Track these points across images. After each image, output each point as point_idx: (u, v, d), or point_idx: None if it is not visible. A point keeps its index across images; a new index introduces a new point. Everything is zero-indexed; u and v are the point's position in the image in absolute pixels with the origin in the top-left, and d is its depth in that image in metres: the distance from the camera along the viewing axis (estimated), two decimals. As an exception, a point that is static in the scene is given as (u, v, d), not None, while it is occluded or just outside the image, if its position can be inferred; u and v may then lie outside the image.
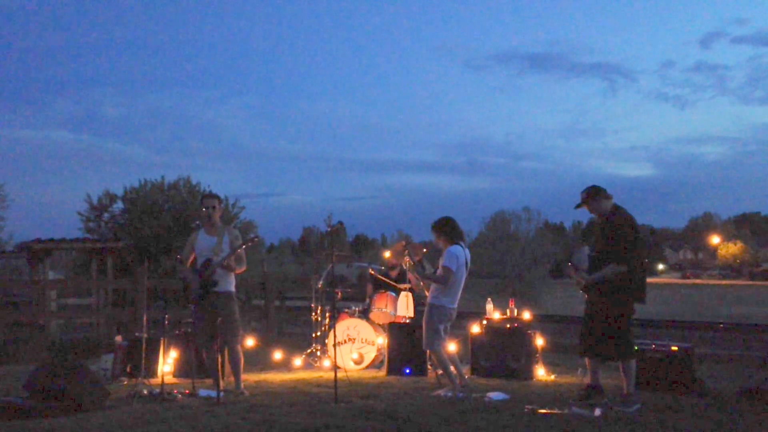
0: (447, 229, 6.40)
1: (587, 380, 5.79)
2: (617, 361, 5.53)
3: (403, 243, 7.58)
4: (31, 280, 13.52)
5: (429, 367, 7.41)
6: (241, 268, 6.32)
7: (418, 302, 8.06)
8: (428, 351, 6.56)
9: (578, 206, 5.78)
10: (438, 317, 6.27)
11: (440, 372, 6.64)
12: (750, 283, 55.84)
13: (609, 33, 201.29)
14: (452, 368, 6.24)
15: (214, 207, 6.37)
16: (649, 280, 5.88)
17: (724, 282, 57.96)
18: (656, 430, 4.55)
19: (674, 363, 6.13)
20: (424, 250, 7.94)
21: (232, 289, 6.33)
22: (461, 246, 6.38)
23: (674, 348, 6.23)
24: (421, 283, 7.23)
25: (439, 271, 6.32)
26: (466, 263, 6.39)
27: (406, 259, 7.54)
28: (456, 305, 6.39)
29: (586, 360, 5.76)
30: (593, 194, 5.66)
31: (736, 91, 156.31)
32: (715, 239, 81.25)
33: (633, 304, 5.50)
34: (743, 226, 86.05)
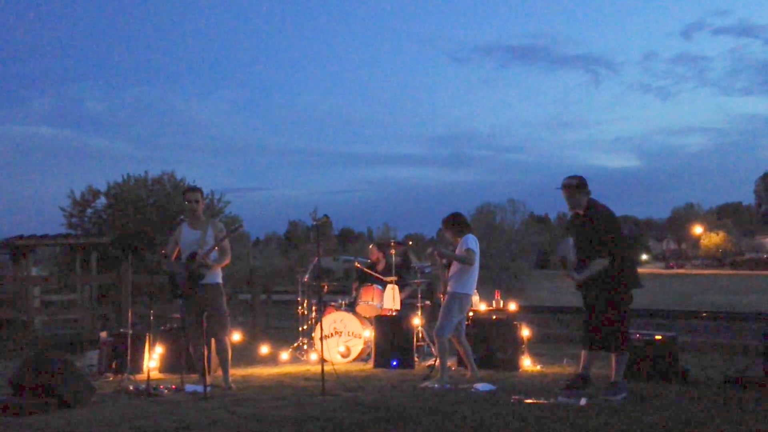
0: (460, 223, 6.65)
1: (574, 369, 5.81)
2: (613, 352, 5.55)
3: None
4: (14, 276, 13.38)
5: (416, 359, 7.44)
6: (226, 261, 6.30)
7: (431, 294, 8.10)
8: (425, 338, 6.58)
9: (560, 189, 5.67)
10: (460, 306, 6.41)
11: (428, 364, 6.67)
12: (733, 272, 56.34)
13: (591, 25, 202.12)
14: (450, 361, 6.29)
15: (197, 200, 6.34)
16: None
17: (707, 271, 58.46)
18: (641, 419, 4.59)
19: (658, 352, 6.18)
20: (410, 243, 7.96)
21: (219, 280, 6.31)
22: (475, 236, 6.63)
23: (658, 337, 6.28)
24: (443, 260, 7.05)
25: (462, 254, 6.44)
26: None
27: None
28: (473, 293, 6.63)
29: (582, 351, 5.74)
30: (580, 187, 5.60)
31: (718, 82, 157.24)
32: (697, 229, 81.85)
33: (630, 294, 5.52)
34: (725, 216, 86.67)
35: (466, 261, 6.40)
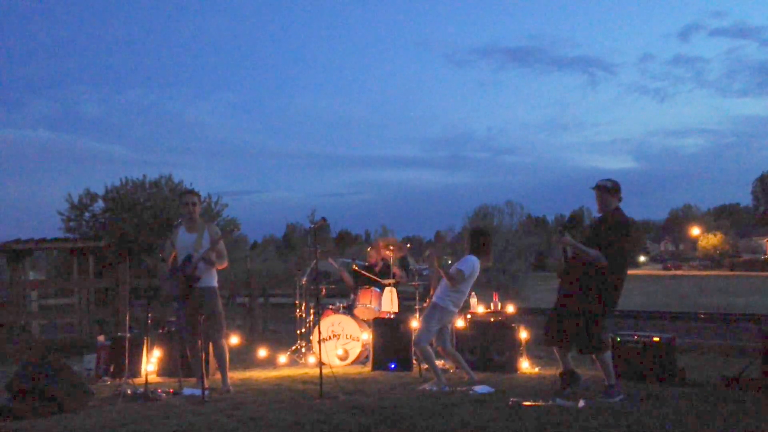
0: (473, 240, 6.63)
1: (560, 369, 5.82)
2: (589, 354, 5.56)
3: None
4: (11, 280, 13.36)
5: (414, 361, 7.43)
6: (223, 264, 6.29)
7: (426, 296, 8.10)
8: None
9: (594, 188, 5.68)
10: (439, 318, 6.41)
11: (426, 366, 6.67)
12: (730, 273, 56.41)
13: (589, 26, 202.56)
14: (442, 364, 6.28)
15: (194, 203, 6.35)
16: (630, 271, 5.91)
17: (704, 273, 58.47)
18: (639, 420, 4.60)
19: (656, 353, 6.19)
20: (408, 245, 7.96)
21: (215, 284, 6.32)
22: (478, 260, 6.54)
23: (656, 338, 6.29)
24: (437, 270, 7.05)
25: (453, 271, 6.44)
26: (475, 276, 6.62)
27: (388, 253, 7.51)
28: (458, 309, 6.59)
29: (554, 349, 5.78)
30: (614, 191, 5.60)
31: (715, 84, 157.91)
32: (695, 230, 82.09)
33: (607, 305, 5.51)
34: (723, 217, 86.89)
35: (449, 279, 6.38)
